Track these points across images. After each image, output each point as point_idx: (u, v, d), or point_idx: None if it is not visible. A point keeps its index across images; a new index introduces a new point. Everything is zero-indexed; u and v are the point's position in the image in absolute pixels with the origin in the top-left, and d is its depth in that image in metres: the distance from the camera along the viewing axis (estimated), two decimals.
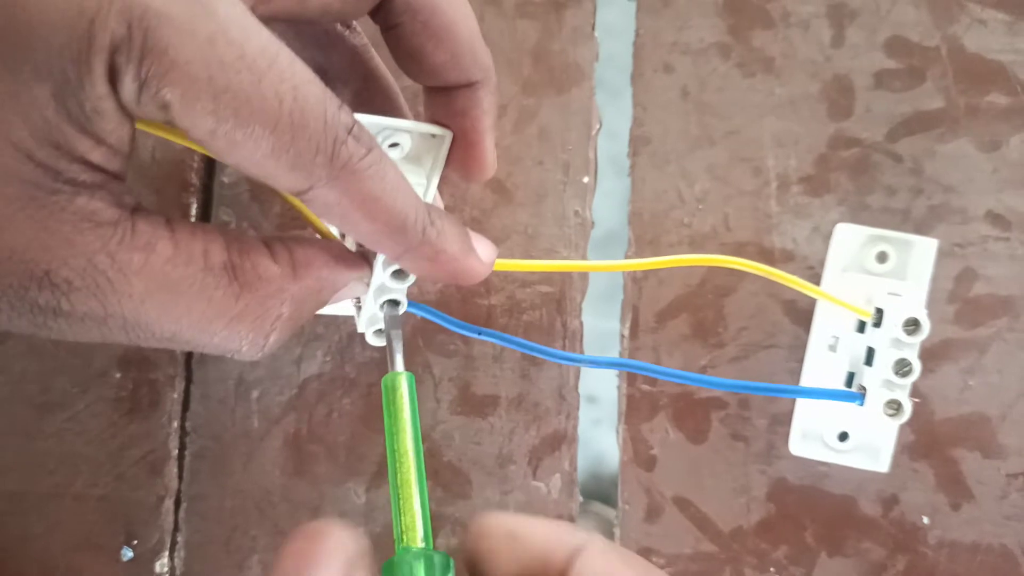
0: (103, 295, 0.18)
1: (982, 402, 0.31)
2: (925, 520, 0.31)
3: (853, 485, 0.31)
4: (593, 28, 0.34)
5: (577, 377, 0.33)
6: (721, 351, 0.32)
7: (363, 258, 0.23)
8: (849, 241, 0.31)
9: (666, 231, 0.33)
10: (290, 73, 0.17)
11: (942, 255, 0.31)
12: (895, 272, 0.30)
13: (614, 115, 0.35)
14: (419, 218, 0.20)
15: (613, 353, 0.33)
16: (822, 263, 0.32)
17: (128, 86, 0.17)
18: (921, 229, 0.32)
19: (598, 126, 0.34)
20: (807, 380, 0.31)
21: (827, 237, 0.32)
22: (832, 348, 0.30)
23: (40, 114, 0.16)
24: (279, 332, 0.21)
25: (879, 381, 0.28)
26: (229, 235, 0.20)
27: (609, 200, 0.36)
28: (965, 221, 0.32)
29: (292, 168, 0.18)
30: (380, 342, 0.26)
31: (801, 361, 0.31)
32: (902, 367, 0.28)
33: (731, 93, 0.33)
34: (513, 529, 0.19)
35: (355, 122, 0.19)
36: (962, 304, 0.32)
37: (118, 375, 0.33)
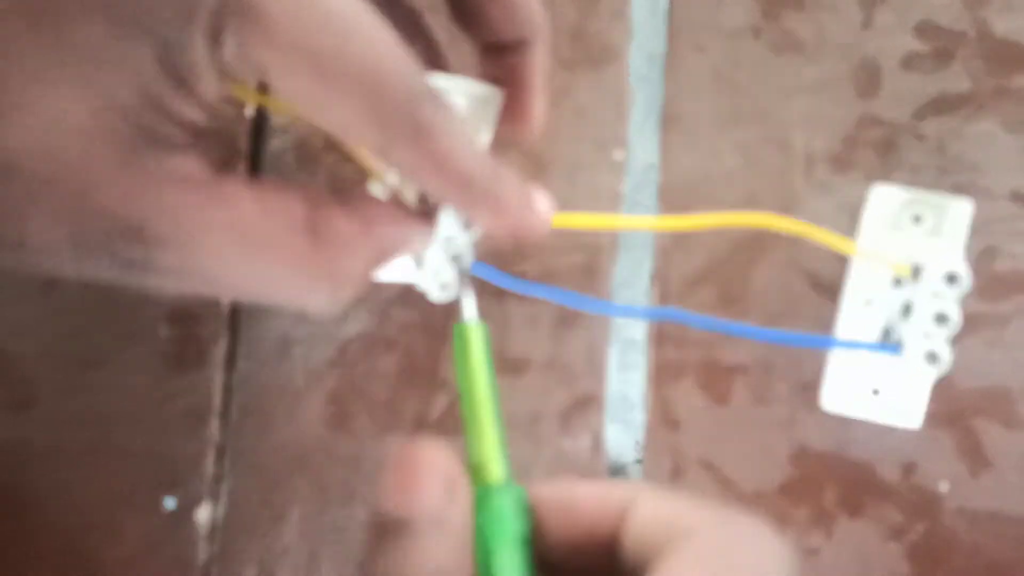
0: (191, 250, 0.19)
1: (1004, 375, 0.32)
2: (944, 488, 0.32)
3: (873, 451, 0.32)
4: (629, 8, 0.35)
5: (606, 340, 0.34)
6: (746, 321, 0.33)
7: (427, 214, 0.24)
8: (885, 203, 0.31)
9: (695, 207, 0.34)
10: (376, 36, 0.19)
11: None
12: (931, 232, 0.31)
13: (647, 93, 0.36)
14: (485, 173, 0.21)
15: (640, 326, 0.34)
16: (848, 238, 0.33)
17: (229, 48, 0.18)
18: None
19: (631, 104, 0.35)
20: (842, 336, 0.31)
21: (852, 213, 0.33)
22: (867, 304, 0.31)
23: (143, 76, 0.17)
24: (353, 286, 0.21)
25: (917, 332, 0.28)
26: (309, 193, 0.21)
27: (640, 176, 0.37)
28: (989, 199, 0.33)
29: (377, 128, 0.19)
30: (444, 297, 0.27)
31: (826, 333, 0.32)
32: (941, 319, 0.28)
33: (762, 73, 0.35)
34: (563, 500, 0.20)
35: (430, 85, 0.20)
36: (986, 280, 0.33)
37: (165, 330, 0.35)
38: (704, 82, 0.35)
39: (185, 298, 0.35)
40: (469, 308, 0.22)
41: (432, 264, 0.26)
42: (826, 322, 0.32)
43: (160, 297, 0.35)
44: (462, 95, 0.24)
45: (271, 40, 0.18)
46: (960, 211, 0.31)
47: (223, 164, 0.20)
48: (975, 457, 0.32)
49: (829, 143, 0.34)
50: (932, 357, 0.28)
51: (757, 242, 0.34)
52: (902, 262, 0.30)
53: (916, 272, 0.29)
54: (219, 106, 0.19)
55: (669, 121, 0.35)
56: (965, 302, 0.32)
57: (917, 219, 0.31)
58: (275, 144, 0.35)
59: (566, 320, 0.34)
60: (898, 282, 0.30)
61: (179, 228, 0.18)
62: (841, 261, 0.32)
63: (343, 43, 0.18)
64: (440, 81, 0.24)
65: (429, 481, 0.18)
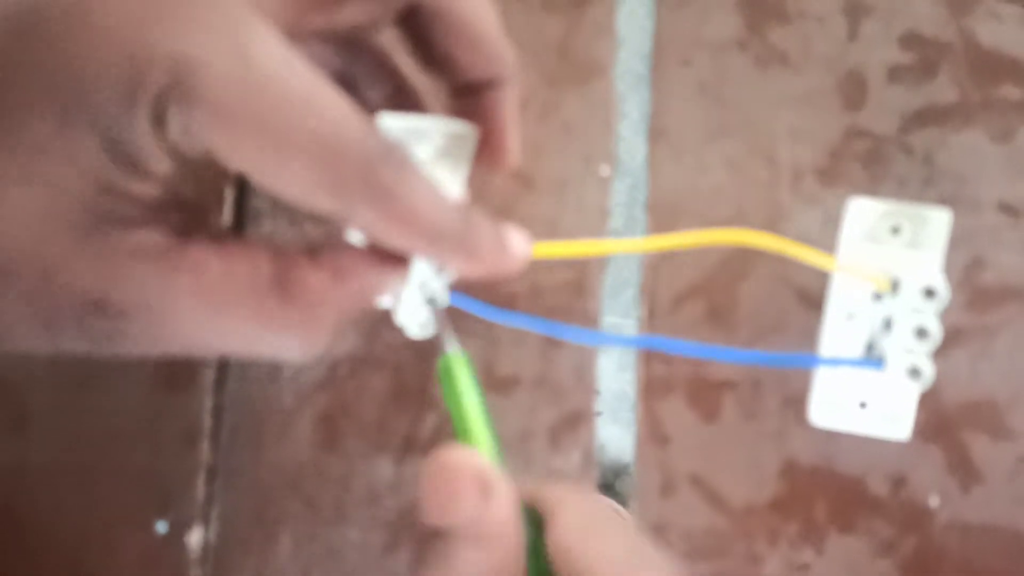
0: (157, 318, 0.19)
1: (992, 387, 0.32)
2: (934, 501, 0.32)
3: (863, 465, 0.32)
4: (614, 23, 0.35)
5: (594, 359, 0.34)
6: (734, 335, 0.33)
7: (402, 258, 0.24)
8: (863, 215, 0.31)
9: (683, 221, 0.34)
10: (326, 103, 0.19)
11: (952, 242, 0.32)
12: (909, 243, 0.31)
13: (633, 108, 0.36)
14: (454, 223, 0.21)
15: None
16: (835, 251, 0.33)
17: (174, 128, 0.18)
18: None
19: (617, 119, 0.35)
20: (826, 352, 0.31)
21: (839, 226, 0.33)
22: (849, 319, 0.31)
23: (92, 164, 0.18)
24: (326, 334, 0.22)
25: (899, 347, 0.29)
26: (276, 249, 0.21)
27: (627, 190, 0.37)
28: (976, 210, 0.33)
29: (334, 195, 0.19)
30: (420, 334, 0.27)
31: (813, 346, 0.32)
32: (921, 333, 0.28)
33: (748, 86, 0.34)
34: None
35: (388, 145, 0.20)
36: (972, 291, 0.33)
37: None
38: (690, 96, 0.35)
39: None
40: (450, 343, 0.22)
41: (408, 305, 0.26)
42: (813, 335, 0.32)
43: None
44: (437, 134, 0.24)
45: (215, 118, 0.18)
46: (938, 221, 0.31)
47: (190, 227, 0.20)
48: (965, 470, 0.32)
49: (815, 156, 0.34)
50: (914, 372, 0.28)
51: (744, 257, 0.34)
52: (881, 275, 0.30)
53: (895, 286, 0.29)
54: (174, 175, 0.19)
55: (656, 135, 0.35)
56: (951, 313, 0.32)
57: (895, 230, 0.31)
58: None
59: (554, 338, 0.34)
60: (878, 296, 0.30)
61: (143, 298, 0.19)
62: (827, 275, 0.32)
63: (290, 114, 0.18)
64: (414, 121, 0.24)
65: (462, 486, 0.19)
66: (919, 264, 0.30)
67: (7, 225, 0.18)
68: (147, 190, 0.19)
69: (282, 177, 0.18)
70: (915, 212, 0.31)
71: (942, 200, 0.33)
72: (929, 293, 0.28)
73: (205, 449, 0.35)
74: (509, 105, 0.24)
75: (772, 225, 0.34)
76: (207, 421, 0.35)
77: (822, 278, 0.32)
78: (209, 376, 0.35)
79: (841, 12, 0.34)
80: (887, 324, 0.30)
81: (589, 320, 0.34)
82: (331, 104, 0.19)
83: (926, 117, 0.33)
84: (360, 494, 0.34)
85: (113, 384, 0.35)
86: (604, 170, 0.35)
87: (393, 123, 0.22)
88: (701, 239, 0.29)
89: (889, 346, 0.29)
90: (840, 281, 0.32)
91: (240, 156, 0.18)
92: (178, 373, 0.35)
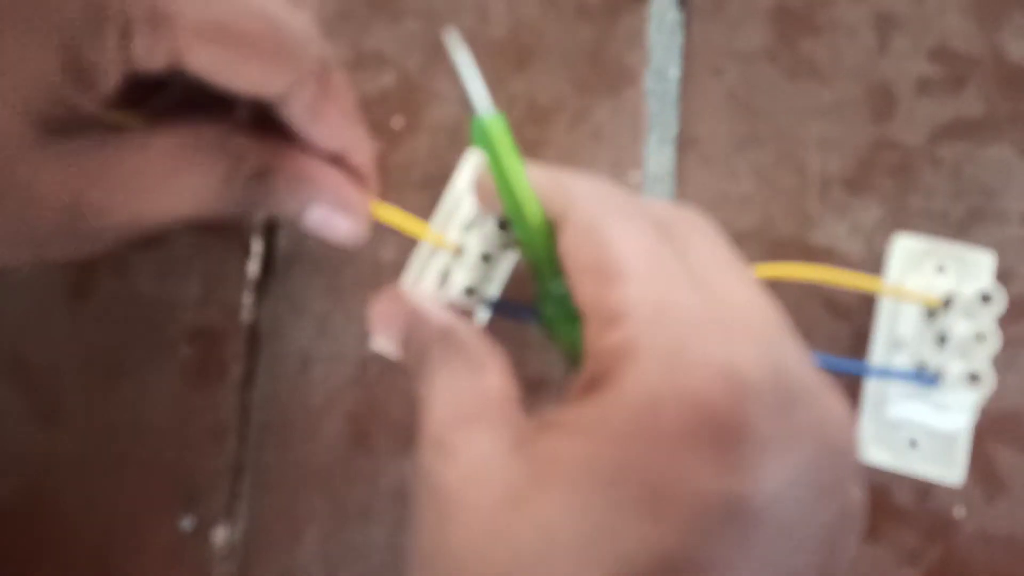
0: (129, 202, 0.22)
1: (1019, 399, 0.32)
2: (960, 512, 0.32)
3: (889, 474, 0.32)
4: (646, 32, 0.36)
5: None
6: None
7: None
8: (908, 252, 0.31)
9: None
10: (260, 3, 0.22)
11: None
12: (955, 282, 0.31)
13: (663, 116, 0.36)
14: (359, 120, 0.26)
15: None
16: (862, 260, 0.33)
17: (140, 45, 0.20)
18: (959, 229, 0.33)
19: (648, 127, 0.35)
20: (874, 383, 0.31)
21: (867, 236, 0.34)
22: (897, 347, 0.30)
23: (48, 79, 0.19)
24: (254, 177, 0.25)
25: (956, 354, 0.28)
26: (217, 123, 0.24)
27: (657, 198, 0.37)
28: (1003, 223, 0.33)
29: (287, 73, 0.22)
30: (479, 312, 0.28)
31: (841, 356, 0.32)
32: (980, 337, 0.28)
33: (777, 97, 0.35)
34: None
35: (313, 31, 0.23)
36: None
37: (186, 348, 0.35)
38: (720, 105, 0.35)
39: (206, 315, 0.35)
40: (481, 103, 0.21)
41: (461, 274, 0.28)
42: (842, 346, 0.33)
43: (181, 314, 0.35)
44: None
45: (179, 30, 0.20)
46: (982, 263, 0.31)
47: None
48: (990, 481, 0.32)
49: (844, 166, 0.34)
50: (974, 378, 0.27)
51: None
52: (931, 296, 0.30)
53: (948, 301, 0.29)
54: (116, 91, 0.21)
55: (685, 144, 0.35)
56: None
57: (940, 269, 0.31)
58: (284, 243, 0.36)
59: None
60: (931, 314, 0.30)
61: (112, 190, 0.21)
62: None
63: (241, 13, 0.21)
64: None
65: (395, 306, 0.23)
66: (969, 276, 0.30)
67: None
68: (92, 102, 0.20)
69: (242, 67, 0.21)
70: (958, 253, 0.31)
71: (970, 211, 0.33)
72: (985, 298, 0.28)
73: (232, 446, 0.35)
74: (362, 168, 0.27)
75: (800, 233, 0.34)
76: (235, 418, 0.35)
77: (851, 288, 0.32)
78: (238, 373, 0.35)
79: (871, 25, 0.35)
80: (941, 340, 0.29)
81: None
82: (269, 3, 0.22)
83: (955, 130, 0.34)
84: (388, 493, 0.34)
85: (142, 378, 0.35)
86: (634, 177, 0.35)
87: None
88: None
89: (945, 359, 0.28)
90: (887, 309, 0.31)
91: (202, 57, 0.21)
92: (207, 369, 0.35)
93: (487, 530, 0.17)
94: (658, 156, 0.36)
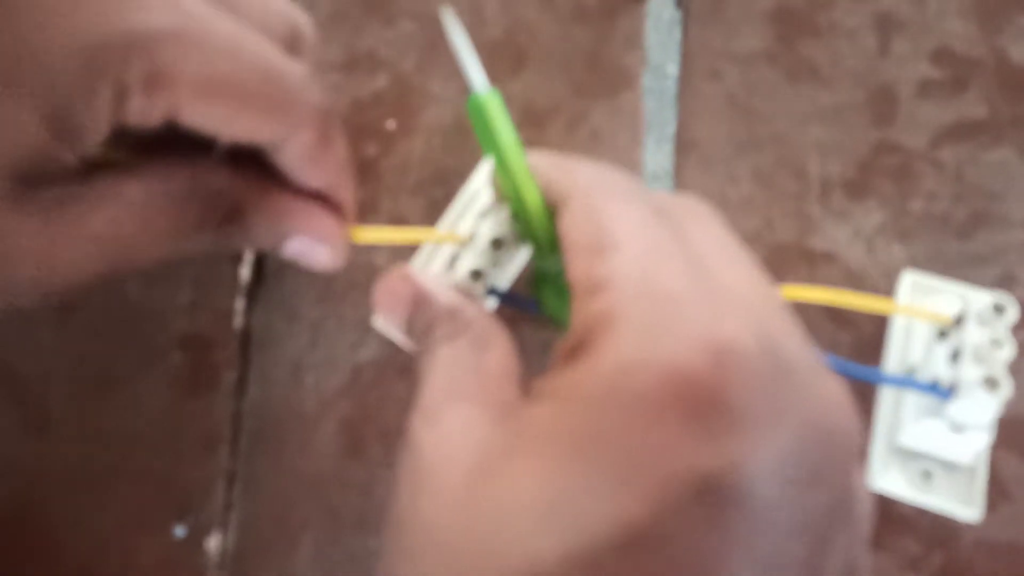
0: (105, 250, 0.22)
1: (1021, 405, 0.32)
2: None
3: None
4: (644, 34, 0.35)
5: None
6: None
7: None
8: (915, 289, 0.31)
9: None
10: (259, 50, 0.21)
11: (982, 260, 0.32)
12: (963, 314, 0.30)
13: (662, 119, 0.36)
14: (347, 164, 0.25)
15: None
16: (862, 266, 0.33)
17: (135, 105, 0.20)
18: (961, 234, 0.33)
19: (646, 129, 0.35)
20: (885, 405, 0.30)
21: (868, 241, 0.33)
22: (911, 371, 0.30)
23: (28, 136, 0.19)
24: (243, 229, 0.25)
25: (970, 361, 0.27)
26: (191, 163, 0.24)
27: None
28: (1006, 227, 0.33)
29: (281, 120, 0.22)
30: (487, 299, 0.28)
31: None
32: (995, 343, 0.27)
33: (777, 99, 0.34)
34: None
35: (305, 73, 0.23)
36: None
37: (178, 356, 0.35)
38: (719, 108, 0.35)
39: (197, 322, 0.35)
40: (477, 79, 0.22)
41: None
42: (843, 352, 0.32)
43: (172, 321, 0.35)
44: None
45: (177, 88, 0.20)
46: (991, 304, 0.30)
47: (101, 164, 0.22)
48: (994, 488, 0.32)
49: (845, 169, 0.34)
50: (991, 382, 0.26)
51: (772, 270, 0.33)
52: (942, 314, 0.29)
53: (959, 319, 0.28)
54: (102, 144, 0.21)
55: (684, 147, 0.35)
56: None
57: (948, 303, 0.30)
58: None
59: None
60: (942, 334, 0.29)
61: (86, 239, 0.21)
62: (854, 288, 0.32)
63: (240, 66, 0.20)
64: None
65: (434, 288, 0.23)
66: (981, 295, 0.30)
67: None
68: (75, 156, 0.20)
69: (239, 117, 0.21)
70: (972, 296, 0.30)
71: (972, 215, 0.33)
72: (998, 309, 0.28)
73: (225, 454, 0.34)
74: (345, 206, 0.26)
75: (801, 237, 0.34)
76: (227, 425, 0.34)
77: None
78: (230, 380, 0.35)
79: (872, 27, 0.34)
80: (955, 355, 0.28)
81: None
82: (263, 49, 0.21)
83: (956, 133, 0.33)
84: (382, 501, 0.34)
85: (133, 386, 0.35)
86: None
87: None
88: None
89: (959, 371, 0.27)
90: (898, 333, 0.30)
91: (199, 110, 0.20)
92: (199, 376, 0.35)
93: (456, 499, 0.16)
94: (657, 159, 0.35)
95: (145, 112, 0.20)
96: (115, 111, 0.19)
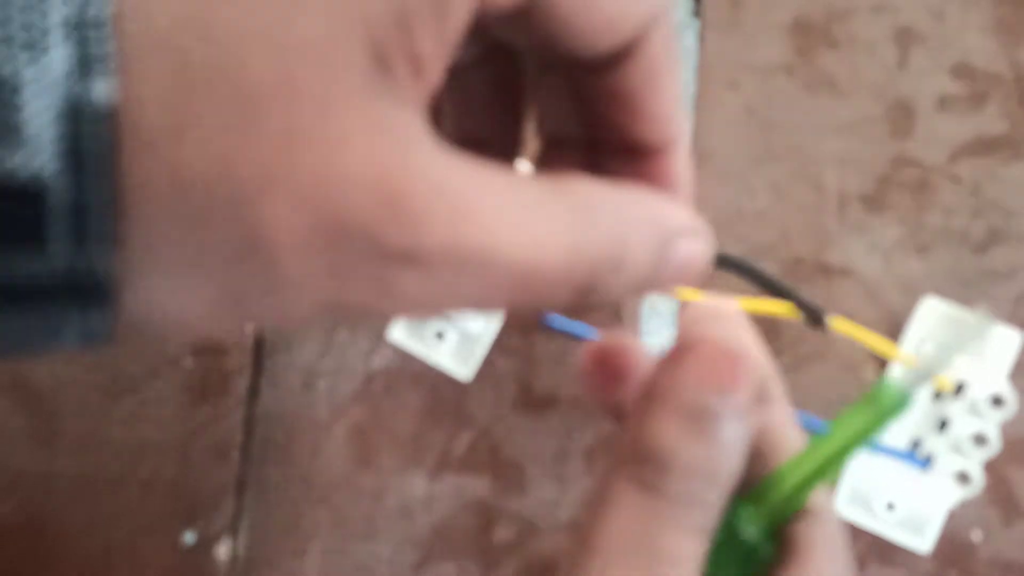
0: (463, 225, 0.13)
1: None
2: (977, 537, 0.32)
3: None
4: None
5: None
6: None
7: None
8: (933, 316, 0.31)
9: (727, 244, 0.34)
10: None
11: (1001, 276, 0.32)
12: (976, 352, 0.30)
13: None
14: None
15: None
16: (879, 280, 0.33)
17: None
18: (979, 250, 0.33)
19: None
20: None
21: (885, 254, 0.33)
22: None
23: None
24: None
25: (950, 448, 0.28)
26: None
27: None
28: (1023, 244, 0.33)
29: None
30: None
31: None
32: (979, 440, 0.27)
33: (795, 111, 0.34)
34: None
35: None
36: (1021, 325, 0.32)
37: (189, 362, 0.35)
38: (737, 119, 0.35)
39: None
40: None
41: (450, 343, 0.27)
42: None
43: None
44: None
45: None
46: (1008, 339, 0.30)
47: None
48: (1008, 505, 0.32)
49: (862, 183, 0.34)
50: (963, 478, 0.27)
51: (788, 283, 0.33)
52: (944, 376, 0.29)
53: (959, 388, 0.28)
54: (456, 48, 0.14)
55: (701, 158, 0.35)
56: None
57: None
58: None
59: None
60: (938, 396, 0.29)
61: (442, 198, 0.13)
62: (871, 302, 0.32)
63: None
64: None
65: (742, 389, 0.16)
66: (986, 372, 0.29)
67: (308, 44, 0.12)
68: (439, 48, 0.13)
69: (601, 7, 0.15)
70: (984, 326, 0.30)
71: (990, 232, 0.33)
72: (997, 401, 0.28)
73: (236, 461, 0.34)
74: (683, 170, 0.18)
75: (817, 250, 0.33)
76: (239, 432, 0.34)
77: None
78: (242, 387, 0.34)
79: (891, 40, 0.34)
80: (942, 425, 0.28)
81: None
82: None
83: (975, 148, 0.33)
84: (392, 510, 0.34)
85: (144, 395, 0.34)
86: None
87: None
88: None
89: (940, 447, 0.28)
90: (897, 373, 0.30)
91: None
92: (211, 383, 0.34)
93: None
94: None
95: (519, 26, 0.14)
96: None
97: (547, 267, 0.14)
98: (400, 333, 0.34)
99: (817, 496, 0.17)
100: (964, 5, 0.34)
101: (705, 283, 0.19)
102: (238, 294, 0.13)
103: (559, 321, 0.29)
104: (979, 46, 0.34)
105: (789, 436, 0.18)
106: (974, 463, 0.27)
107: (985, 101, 0.33)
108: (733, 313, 0.19)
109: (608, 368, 0.18)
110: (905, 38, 0.34)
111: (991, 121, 0.33)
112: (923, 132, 0.34)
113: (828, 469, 0.18)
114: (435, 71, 0.13)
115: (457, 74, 0.17)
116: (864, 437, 0.18)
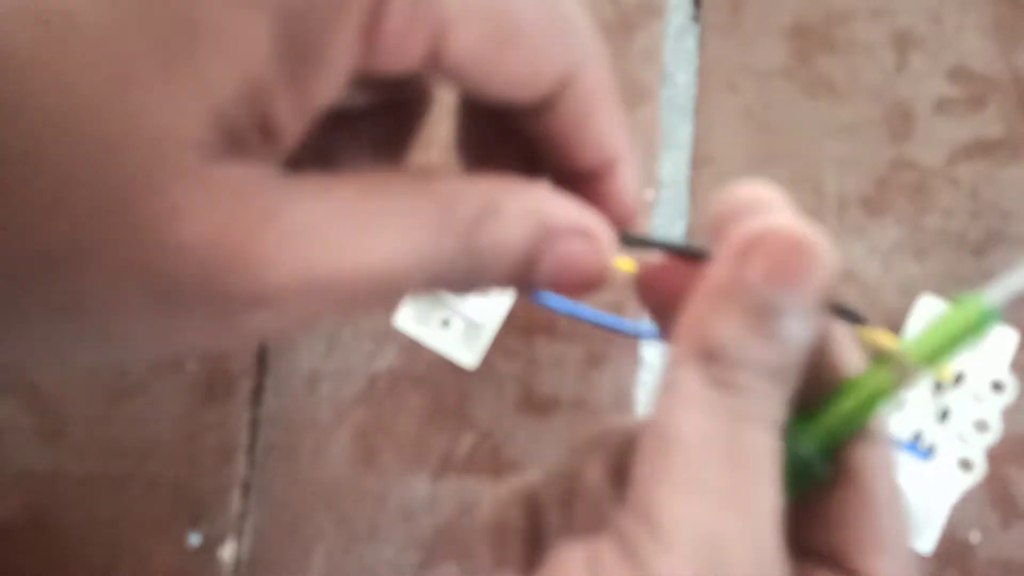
0: (304, 249, 0.14)
1: None
2: (976, 538, 0.32)
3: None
4: (661, 49, 0.35)
5: (634, 381, 0.34)
6: None
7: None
8: (931, 316, 0.31)
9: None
10: None
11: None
12: (974, 349, 0.30)
13: (678, 133, 0.36)
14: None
15: None
16: (878, 282, 0.33)
17: (394, 25, 0.14)
18: (977, 252, 0.33)
19: (663, 144, 0.35)
20: None
21: (884, 257, 0.33)
22: (900, 406, 0.30)
23: (254, 64, 0.13)
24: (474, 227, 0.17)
25: (952, 437, 0.28)
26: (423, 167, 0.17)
27: (670, 215, 0.37)
28: (1022, 246, 0.33)
29: (568, 57, 0.16)
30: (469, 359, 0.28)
31: None
32: (981, 426, 0.28)
33: (794, 114, 0.35)
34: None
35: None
36: (1020, 328, 0.32)
37: (194, 364, 0.35)
38: (736, 123, 0.35)
39: None
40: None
41: (456, 330, 0.27)
42: None
43: None
44: None
45: (444, 4, 0.14)
46: (1005, 338, 0.30)
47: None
48: (1007, 506, 0.32)
49: (861, 185, 0.34)
50: (965, 464, 0.28)
51: None
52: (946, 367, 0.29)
53: (959, 378, 0.29)
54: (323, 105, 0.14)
55: (700, 161, 0.35)
56: None
57: None
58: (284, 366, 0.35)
59: (594, 360, 0.34)
60: (939, 387, 0.29)
61: (290, 234, 0.14)
62: (870, 304, 0.32)
63: None
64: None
65: (805, 290, 0.15)
66: (985, 364, 0.30)
67: (135, 126, 0.12)
68: (301, 110, 0.14)
69: (508, 64, 0.15)
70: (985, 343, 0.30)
71: (988, 234, 0.33)
72: (997, 386, 0.28)
73: (241, 463, 0.34)
74: (627, 186, 0.19)
75: None
76: (243, 434, 0.35)
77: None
78: (246, 389, 0.35)
79: (890, 43, 0.34)
80: (943, 415, 0.29)
81: (629, 342, 0.34)
82: None
83: (973, 151, 0.34)
84: (395, 511, 0.34)
85: (150, 395, 0.35)
86: (648, 194, 0.35)
87: None
88: None
89: (942, 436, 0.28)
90: None
91: (463, 51, 0.15)
92: (215, 386, 0.35)
93: None
94: (673, 173, 0.35)
95: (404, 39, 0.14)
96: (364, 37, 0.14)
97: (397, 270, 0.15)
98: (406, 320, 0.34)
99: (877, 421, 0.17)
100: (962, 8, 0.34)
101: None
102: (64, 345, 0.14)
103: (552, 299, 0.29)
104: (977, 49, 0.34)
105: (850, 351, 0.17)
106: (976, 450, 0.28)
107: (983, 104, 0.34)
108: (776, 199, 0.18)
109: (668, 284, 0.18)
110: (903, 41, 0.34)
111: (989, 124, 0.33)
112: (921, 135, 0.34)
113: (894, 390, 0.17)
114: (292, 134, 0.14)
115: (344, 118, 0.17)
116: (939, 358, 0.16)
